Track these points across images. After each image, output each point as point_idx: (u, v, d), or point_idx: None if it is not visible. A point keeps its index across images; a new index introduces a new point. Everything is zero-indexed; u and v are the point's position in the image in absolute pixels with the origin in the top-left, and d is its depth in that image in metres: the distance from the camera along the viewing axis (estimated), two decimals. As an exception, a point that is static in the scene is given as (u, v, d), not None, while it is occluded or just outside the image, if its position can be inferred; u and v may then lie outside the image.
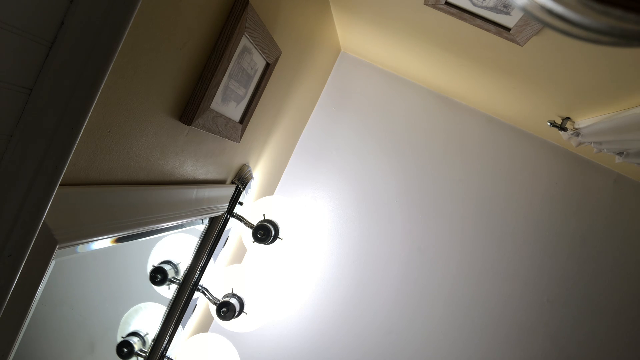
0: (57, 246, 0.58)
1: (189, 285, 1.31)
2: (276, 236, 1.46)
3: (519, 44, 1.19)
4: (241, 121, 1.19)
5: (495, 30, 1.17)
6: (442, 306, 2.07)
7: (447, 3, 1.16)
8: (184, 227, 1.12)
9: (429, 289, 2.08)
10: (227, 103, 1.04)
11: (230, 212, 1.38)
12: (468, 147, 2.11)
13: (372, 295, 2.09)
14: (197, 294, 1.36)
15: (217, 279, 1.44)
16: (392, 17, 1.47)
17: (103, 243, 0.76)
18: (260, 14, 1.01)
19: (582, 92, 1.35)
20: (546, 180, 2.06)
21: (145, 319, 1.24)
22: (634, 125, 1.21)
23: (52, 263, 0.60)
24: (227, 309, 1.35)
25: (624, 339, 1.99)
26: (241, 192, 1.41)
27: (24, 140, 0.44)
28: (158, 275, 1.21)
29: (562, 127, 1.61)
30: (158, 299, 1.26)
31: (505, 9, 1.09)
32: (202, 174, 1.11)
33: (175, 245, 1.25)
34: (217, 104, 0.97)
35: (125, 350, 1.16)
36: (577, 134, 1.55)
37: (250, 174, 1.51)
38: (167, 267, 1.23)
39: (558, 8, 0.28)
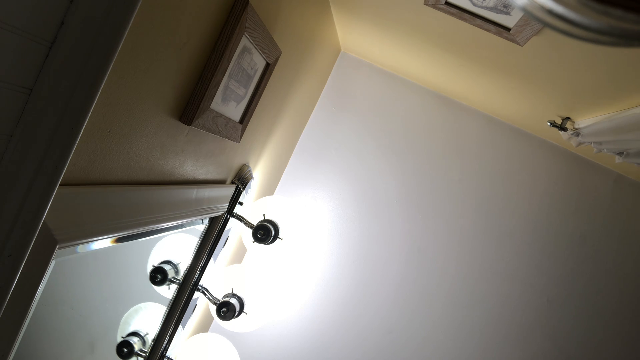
0: (57, 246, 0.58)
1: (189, 285, 1.31)
2: (276, 236, 1.46)
3: (518, 44, 1.19)
4: (241, 121, 1.19)
5: (495, 30, 1.17)
6: (441, 306, 2.07)
7: (447, 3, 1.16)
8: (184, 227, 1.12)
9: (429, 289, 2.08)
10: (227, 103, 1.04)
11: (230, 212, 1.38)
12: (468, 147, 2.11)
13: (372, 295, 2.09)
14: (197, 294, 1.36)
15: (217, 279, 1.44)
16: (392, 17, 1.47)
17: (103, 243, 0.76)
18: (260, 14, 1.01)
19: (582, 92, 1.35)
20: (545, 180, 2.06)
21: (145, 319, 1.24)
22: (634, 125, 1.22)
23: (52, 263, 0.60)
24: (227, 309, 1.34)
25: (623, 338, 1.99)
26: (241, 192, 1.41)
27: (24, 140, 0.44)
28: (158, 275, 1.21)
29: (562, 127, 1.61)
30: (158, 299, 1.26)
31: (505, 9, 1.09)
32: (202, 174, 1.11)
33: (175, 245, 1.25)
34: (217, 104, 0.97)
35: (125, 350, 1.16)
36: (577, 134, 1.55)
37: (250, 174, 1.51)
38: (167, 267, 1.23)
39: (558, 8, 0.28)
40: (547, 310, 2.02)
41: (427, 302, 2.08)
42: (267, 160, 1.73)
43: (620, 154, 1.42)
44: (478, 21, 1.17)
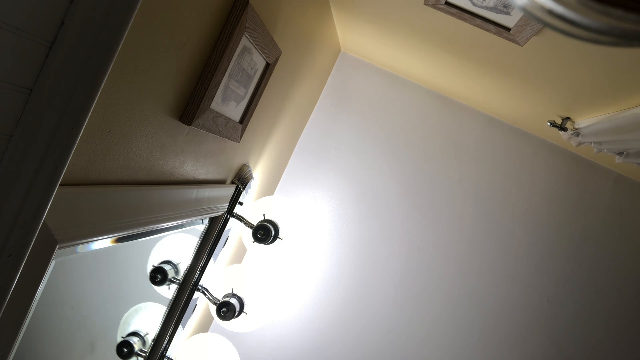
0: (57, 246, 0.58)
1: (189, 285, 1.31)
2: (276, 236, 1.46)
3: (518, 44, 1.19)
4: (241, 121, 1.19)
5: (495, 30, 1.17)
6: (441, 306, 2.07)
7: (447, 3, 1.16)
8: (184, 227, 1.12)
9: (428, 289, 2.08)
10: (227, 103, 1.04)
11: (230, 212, 1.38)
12: (467, 147, 2.11)
13: (372, 295, 2.09)
14: (197, 294, 1.36)
15: (217, 279, 1.44)
16: (392, 17, 1.47)
17: (103, 243, 0.76)
18: (260, 14, 1.01)
19: (582, 92, 1.35)
20: (545, 180, 2.06)
21: (145, 319, 1.24)
22: (634, 125, 1.21)
23: (52, 263, 0.60)
24: (227, 309, 1.35)
25: (623, 338, 1.99)
26: (241, 192, 1.41)
27: (24, 140, 0.44)
28: (158, 275, 1.21)
29: (562, 127, 1.61)
30: (158, 299, 1.26)
31: (505, 9, 1.09)
32: (202, 174, 1.11)
33: (175, 245, 1.25)
34: (217, 104, 0.97)
35: (125, 350, 1.16)
36: (577, 134, 1.55)
37: (250, 174, 1.51)
38: (167, 267, 1.23)
39: (558, 8, 0.28)
40: (547, 310, 2.02)
41: (427, 302, 2.08)
42: (267, 160, 1.73)
43: (620, 154, 1.42)
44: (478, 21, 1.17)
